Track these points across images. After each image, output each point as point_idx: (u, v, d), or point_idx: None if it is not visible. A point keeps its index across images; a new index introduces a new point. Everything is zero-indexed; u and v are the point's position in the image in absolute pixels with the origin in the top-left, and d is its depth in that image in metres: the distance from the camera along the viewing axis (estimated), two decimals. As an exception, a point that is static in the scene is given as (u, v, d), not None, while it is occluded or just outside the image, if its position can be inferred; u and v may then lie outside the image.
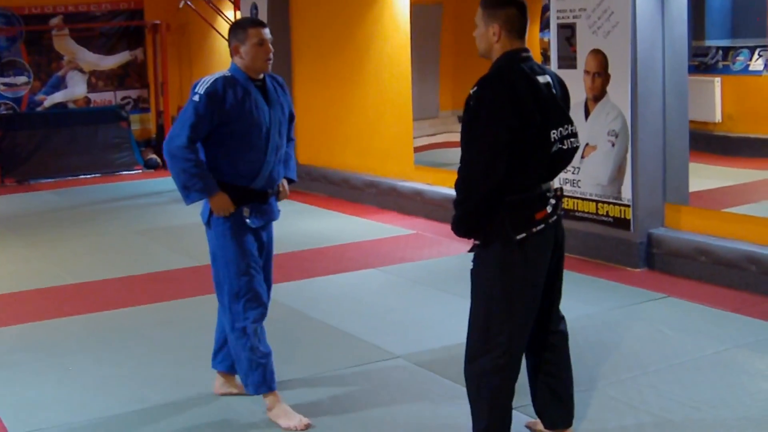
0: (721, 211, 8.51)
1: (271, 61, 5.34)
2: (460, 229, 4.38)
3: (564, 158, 4.45)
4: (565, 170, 8.72)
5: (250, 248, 5.35)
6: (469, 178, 4.27)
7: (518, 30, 4.39)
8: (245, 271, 5.31)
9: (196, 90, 5.23)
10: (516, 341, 4.40)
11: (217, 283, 5.47)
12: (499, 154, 4.17)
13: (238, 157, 5.28)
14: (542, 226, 4.34)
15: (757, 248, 7.64)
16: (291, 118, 5.66)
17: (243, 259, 5.31)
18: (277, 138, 5.40)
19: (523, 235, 4.28)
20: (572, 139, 4.46)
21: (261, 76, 5.39)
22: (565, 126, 4.41)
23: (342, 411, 5.52)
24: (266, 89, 5.40)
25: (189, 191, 5.22)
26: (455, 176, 4.37)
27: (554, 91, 4.42)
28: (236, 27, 5.37)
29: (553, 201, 4.42)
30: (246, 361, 5.34)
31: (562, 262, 4.68)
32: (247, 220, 5.33)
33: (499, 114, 4.18)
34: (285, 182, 5.65)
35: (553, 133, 4.33)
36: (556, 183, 8.78)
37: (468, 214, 4.33)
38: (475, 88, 4.29)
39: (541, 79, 4.38)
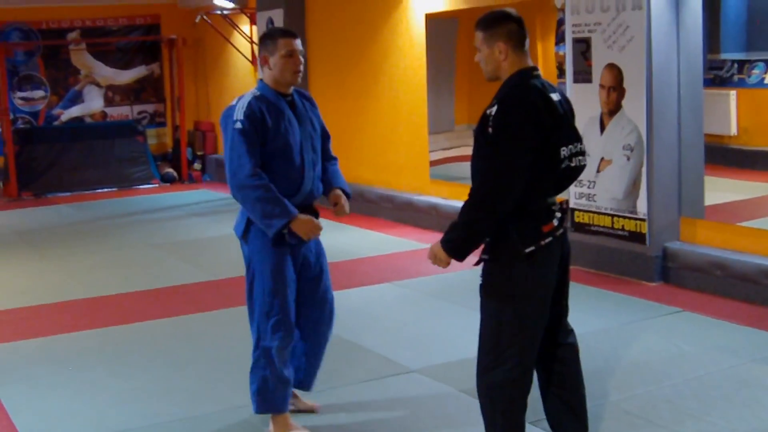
0: (736, 225, 8.50)
1: (300, 74, 5.24)
2: (461, 251, 4.35)
3: (571, 175, 4.47)
4: (581, 184, 8.78)
5: (287, 268, 5.24)
6: (485, 200, 4.25)
7: (522, 44, 4.42)
8: (279, 291, 5.21)
9: (234, 118, 5.10)
10: (526, 354, 4.41)
11: (250, 298, 5.37)
12: (519, 178, 4.19)
13: (280, 175, 5.16)
14: (550, 239, 4.35)
15: (772, 263, 7.64)
16: (326, 135, 5.57)
17: (279, 278, 5.21)
18: (311, 153, 5.31)
19: (532, 248, 4.29)
20: (580, 157, 4.48)
21: (290, 90, 5.30)
22: (575, 144, 4.44)
23: (356, 425, 5.53)
24: (295, 105, 5.32)
25: (270, 219, 5.06)
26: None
27: (565, 107, 4.45)
28: (266, 37, 5.26)
29: (558, 214, 4.44)
30: (260, 380, 5.27)
31: (568, 274, 4.69)
32: (287, 236, 5.17)
33: (522, 136, 4.20)
34: (342, 197, 5.52)
35: (563, 150, 4.35)
36: (570, 195, 8.82)
37: (476, 235, 4.34)
38: (495, 108, 4.29)
39: (554, 96, 4.40)
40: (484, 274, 4.45)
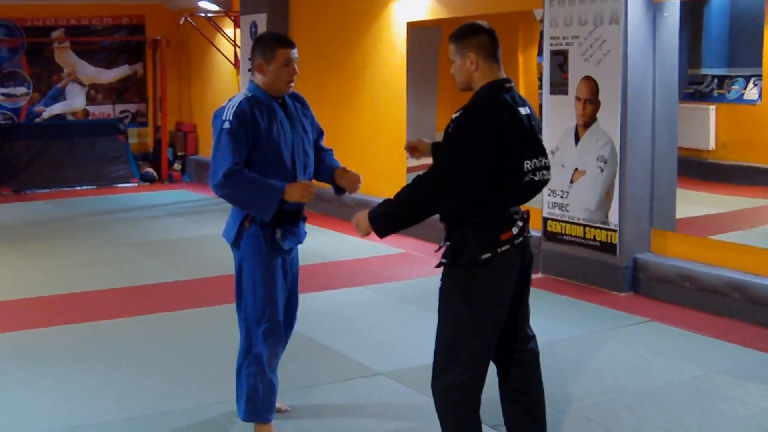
0: (706, 238, 8.58)
1: (293, 83, 5.21)
2: (383, 228, 4.46)
3: (534, 189, 4.53)
4: (554, 194, 8.86)
5: (277, 274, 5.20)
6: (425, 192, 4.35)
7: (494, 55, 4.50)
8: (270, 298, 5.17)
9: (224, 117, 5.04)
10: (480, 358, 4.48)
11: (239, 302, 5.29)
12: (464, 182, 4.28)
13: (270, 178, 5.06)
14: (507, 246, 4.42)
15: (741, 275, 7.73)
16: (320, 132, 5.56)
17: (271, 284, 5.16)
18: (302, 156, 5.25)
19: (489, 255, 4.36)
20: (544, 172, 4.54)
21: (281, 94, 5.24)
22: (539, 158, 4.51)
23: (319, 425, 5.58)
24: (287, 107, 5.27)
25: (264, 205, 5.01)
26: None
27: (533, 122, 4.52)
28: (263, 44, 5.16)
29: (520, 223, 4.50)
30: (251, 388, 5.23)
31: (529, 282, 4.75)
32: (279, 242, 5.15)
33: (477, 143, 4.27)
34: (345, 172, 5.45)
35: (527, 164, 4.42)
36: (543, 205, 8.87)
37: (402, 220, 4.45)
38: (459, 114, 4.39)
39: (522, 110, 4.47)
40: (443, 278, 4.53)
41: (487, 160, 4.26)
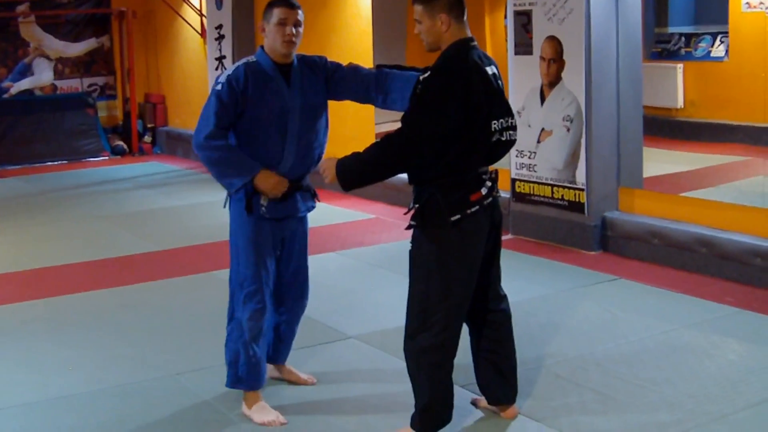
0: (673, 194, 8.66)
1: (292, 45, 5.07)
2: (348, 180, 4.51)
3: (501, 149, 4.57)
4: (522, 155, 8.91)
5: (264, 240, 5.15)
6: (394, 149, 4.39)
7: (462, 15, 4.53)
8: (254, 262, 5.13)
9: (218, 80, 5.06)
10: (453, 319, 4.53)
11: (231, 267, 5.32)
12: (431, 141, 4.31)
13: (258, 145, 5.06)
14: (477, 207, 4.46)
15: (708, 231, 7.80)
16: (352, 69, 5.48)
17: (254, 249, 5.13)
18: (297, 124, 5.14)
19: (458, 216, 4.41)
20: (511, 132, 4.59)
21: (288, 60, 5.15)
22: (506, 118, 4.55)
23: (291, 390, 5.63)
24: (291, 75, 5.16)
25: (230, 178, 5.03)
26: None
27: (499, 82, 4.56)
28: (267, 5, 5.10)
29: (488, 183, 4.54)
30: (233, 354, 5.23)
31: (499, 243, 4.81)
32: (263, 209, 5.11)
33: (445, 103, 4.31)
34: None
35: (494, 124, 4.46)
36: (511, 166, 8.92)
37: (368, 175, 4.52)
38: (428, 75, 4.43)
39: (489, 70, 4.51)
40: (413, 241, 4.57)
41: (456, 120, 4.30)
